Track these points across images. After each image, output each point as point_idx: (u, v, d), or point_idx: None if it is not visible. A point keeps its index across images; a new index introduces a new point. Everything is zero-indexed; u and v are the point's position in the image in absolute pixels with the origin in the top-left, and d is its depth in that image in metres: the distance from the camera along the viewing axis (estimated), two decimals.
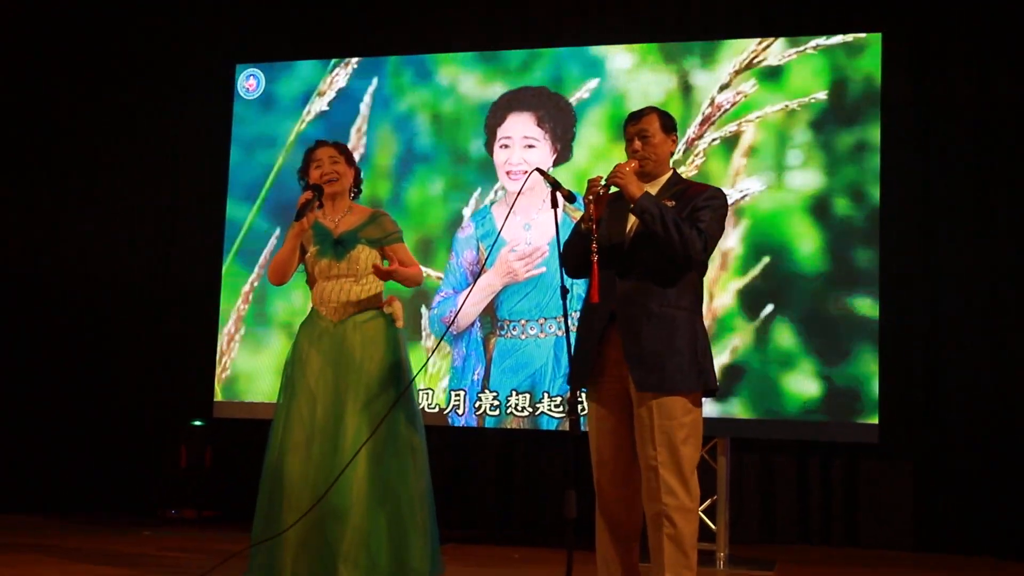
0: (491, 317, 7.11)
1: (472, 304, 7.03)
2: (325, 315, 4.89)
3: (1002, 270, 7.26)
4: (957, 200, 7.39)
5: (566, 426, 6.78)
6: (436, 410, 7.09)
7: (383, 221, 4.99)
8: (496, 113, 7.34)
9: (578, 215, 4.52)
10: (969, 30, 7.48)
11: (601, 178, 4.28)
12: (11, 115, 9.02)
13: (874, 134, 6.67)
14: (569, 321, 4.31)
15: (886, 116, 6.79)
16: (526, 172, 4.76)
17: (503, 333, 7.06)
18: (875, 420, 6.48)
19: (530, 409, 6.94)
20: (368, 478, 4.60)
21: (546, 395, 6.94)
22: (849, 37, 6.79)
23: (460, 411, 7.09)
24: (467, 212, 7.31)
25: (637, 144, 4.42)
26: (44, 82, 9.07)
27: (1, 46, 9.08)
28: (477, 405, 7.05)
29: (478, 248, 7.20)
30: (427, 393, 7.10)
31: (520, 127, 7.25)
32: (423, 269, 5.27)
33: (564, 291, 4.23)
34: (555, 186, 4.36)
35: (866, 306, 6.55)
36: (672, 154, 4.55)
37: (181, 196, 8.70)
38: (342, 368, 4.75)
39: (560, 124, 7.19)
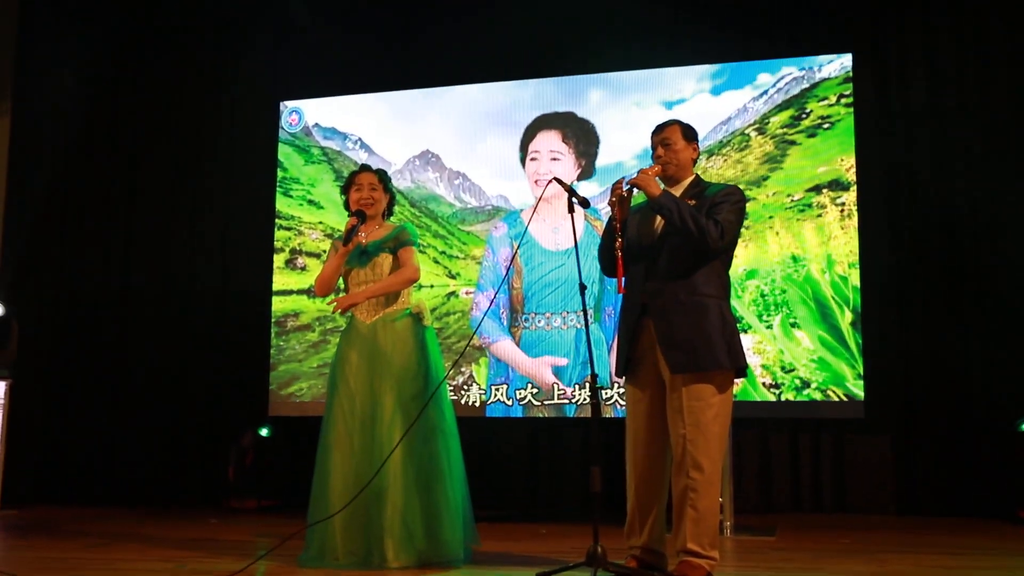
0: (518, 309, 7.07)
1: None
2: (358, 317, 4.88)
3: (964, 273, 7.17)
4: (922, 206, 7.29)
5: (584, 411, 6.77)
6: (477, 404, 7.07)
7: (401, 233, 4.94)
8: (528, 132, 7.36)
9: (599, 224, 4.44)
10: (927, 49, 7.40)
11: (623, 181, 4.25)
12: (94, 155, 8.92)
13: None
14: (588, 315, 4.28)
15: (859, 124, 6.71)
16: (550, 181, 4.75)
17: (528, 325, 6.97)
18: (860, 398, 6.35)
19: (559, 391, 6.87)
20: (402, 463, 4.61)
21: (570, 381, 6.87)
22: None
23: (492, 399, 7.05)
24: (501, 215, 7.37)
25: (660, 151, 4.41)
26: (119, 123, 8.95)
27: (96, 88, 9.05)
28: (515, 395, 7.01)
29: (512, 245, 7.19)
30: (464, 388, 7.08)
31: (547, 142, 7.28)
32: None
33: (582, 288, 4.29)
34: (571, 192, 4.42)
35: (852, 315, 6.44)
36: (694, 161, 4.48)
37: (233, 226, 8.57)
38: (375, 363, 4.75)
39: (583, 142, 7.18)
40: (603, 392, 6.40)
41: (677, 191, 4.35)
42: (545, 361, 6.94)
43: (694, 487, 4.08)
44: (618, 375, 4.42)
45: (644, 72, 7.12)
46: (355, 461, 4.62)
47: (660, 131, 4.43)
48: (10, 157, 9.11)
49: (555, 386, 6.88)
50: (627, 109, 7.07)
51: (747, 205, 6.37)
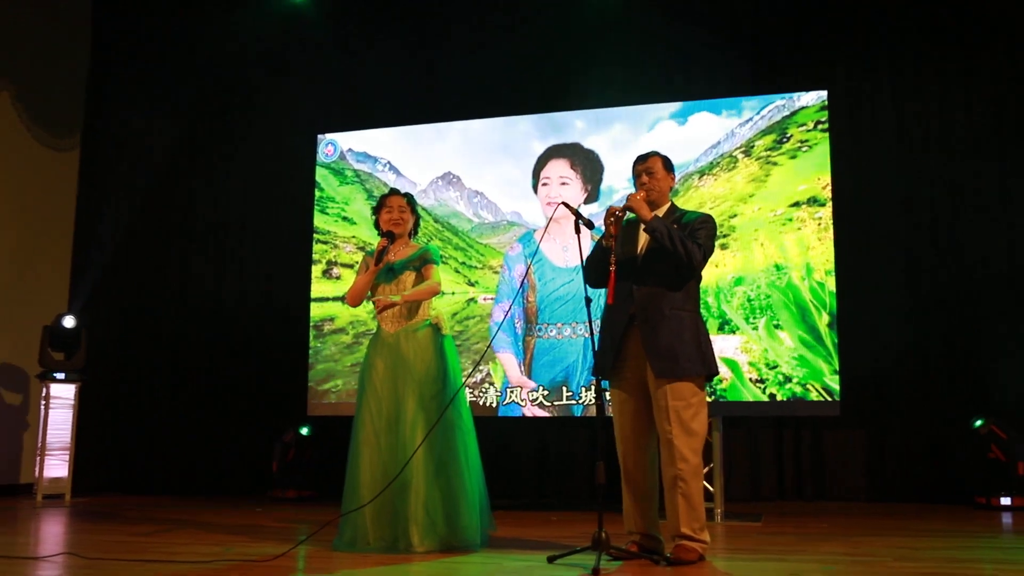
0: (532, 320, 7.05)
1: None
2: (384, 328, 4.85)
3: (927, 281, 7.20)
4: (890, 220, 7.32)
5: (590, 411, 6.77)
6: (494, 405, 7.04)
7: (425, 253, 4.93)
8: (540, 161, 7.35)
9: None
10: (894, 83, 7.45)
11: (617, 208, 4.25)
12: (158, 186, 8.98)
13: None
14: (593, 325, 4.31)
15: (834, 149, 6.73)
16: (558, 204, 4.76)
17: (541, 334, 6.95)
18: (836, 392, 6.34)
19: (568, 393, 6.85)
20: (424, 458, 4.59)
21: (578, 385, 6.86)
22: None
23: (508, 401, 7.02)
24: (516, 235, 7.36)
25: (645, 179, 4.44)
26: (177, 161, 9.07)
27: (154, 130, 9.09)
28: (527, 395, 6.97)
29: (526, 263, 7.16)
30: (482, 390, 7.07)
31: (557, 169, 7.27)
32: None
33: (588, 301, 4.30)
34: (577, 215, 4.41)
35: (828, 317, 6.42)
36: (672, 189, 4.52)
37: (275, 241, 8.62)
38: (399, 370, 4.74)
39: (589, 169, 7.18)
40: (607, 394, 6.39)
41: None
42: (526, 383, 6.95)
43: (683, 476, 4.09)
44: (599, 376, 4.38)
45: (641, 107, 7.13)
46: (382, 458, 4.61)
47: (644, 160, 4.46)
48: (79, 187, 9.18)
49: (563, 389, 6.87)
50: (626, 139, 7.07)
51: (735, 219, 6.64)
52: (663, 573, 3.93)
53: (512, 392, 6.99)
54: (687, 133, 6.91)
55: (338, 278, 7.65)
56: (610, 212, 4.23)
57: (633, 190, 4.44)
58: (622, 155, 6.98)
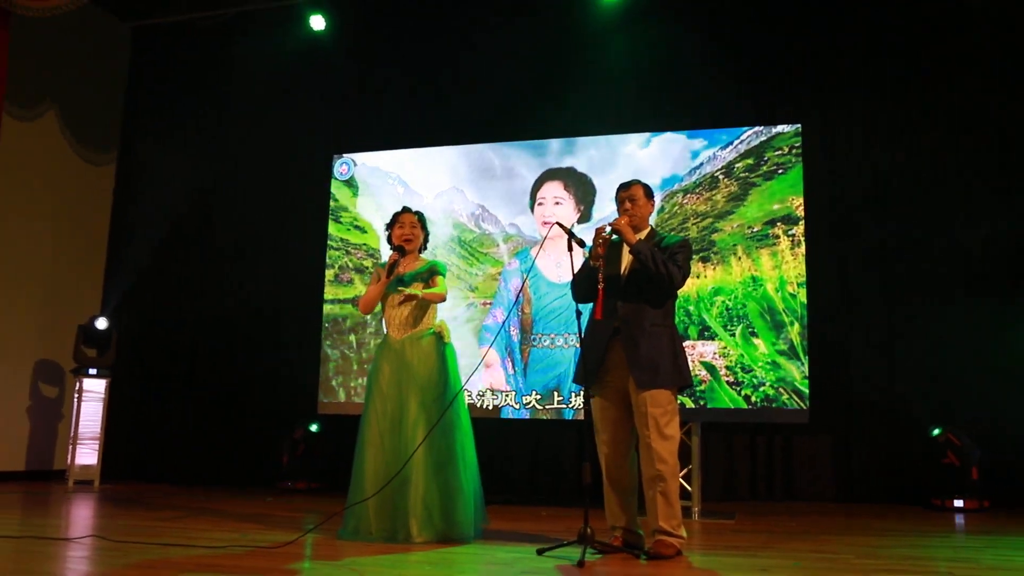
0: (527, 330, 7.03)
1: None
2: (391, 334, 4.86)
3: (893, 295, 7.22)
4: (857, 237, 7.36)
5: (579, 415, 6.73)
6: (490, 408, 7.01)
7: (433, 267, 4.95)
8: (536, 183, 7.36)
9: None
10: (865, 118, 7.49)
11: (605, 228, 4.25)
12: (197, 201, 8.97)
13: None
14: (583, 336, 4.29)
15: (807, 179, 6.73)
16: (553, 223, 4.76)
17: (536, 344, 6.93)
18: (806, 407, 6.31)
19: (559, 398, 6.82)
20: (424, 456, 4.57)
21: (569, 391, 6.84)
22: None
23: (503, 404, 6.99)
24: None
25: (628, 205, 4.44)
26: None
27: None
28: (523, 400, 6.95)
29: (522, 277, 7.14)
30: (482, 394, 7.04)
31: (552, 190, 7.28)
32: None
33: (578, 314, 4.30)
34: (569, 234, 4.41)
35: (799, 327, 6.40)
36: (651, 214, 4.52)
37: (291, 248, 8.61)
38: (404, 374, 4.73)
39: (581, 191, 7.17)
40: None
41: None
42: (500, 384, 6.98)
43: (662, 476, 4.10)
44: (581, 382, 4.36)
45: (630, 135, 7.14)
46: (385, 456, 4.60)
47: (627, 188, 4.46)
48: (114, 200, 9.21)
49: (555, 394, 6.86)
50: (618, 165, 7.07)
51: (714, 235, 6.66)
52: (643, 566, 3.91)
53: (507, 396, 6.96)
54: (667, 156, 6.92)
55: (349, 282, 7.64)
56: (598, 233, 4.22)
57: (617, 215, 4.44)
58: (609, 176, 6.99)
